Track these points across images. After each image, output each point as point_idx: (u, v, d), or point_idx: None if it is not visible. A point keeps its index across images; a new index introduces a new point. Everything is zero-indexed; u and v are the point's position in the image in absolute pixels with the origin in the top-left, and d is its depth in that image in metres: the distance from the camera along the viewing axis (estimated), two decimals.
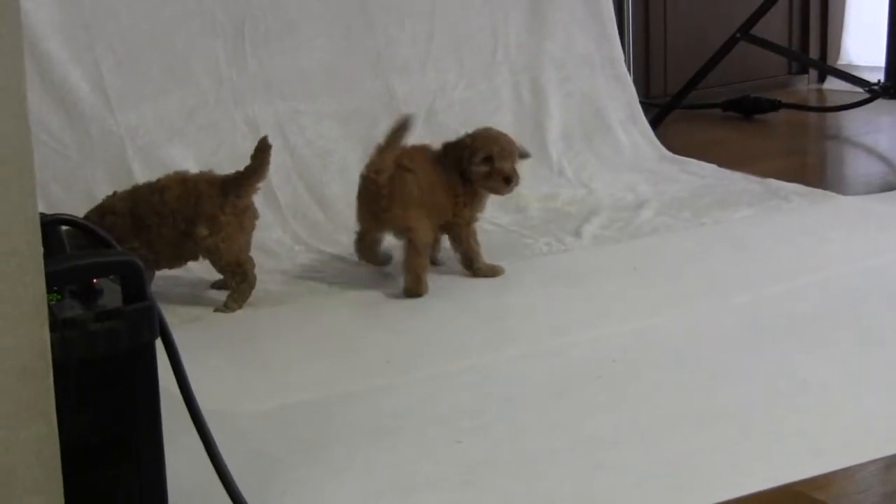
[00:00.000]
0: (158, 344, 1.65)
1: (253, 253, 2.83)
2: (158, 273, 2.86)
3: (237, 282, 2.79)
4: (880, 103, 4.32)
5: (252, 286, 2.80)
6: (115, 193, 2.85)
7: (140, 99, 3.34)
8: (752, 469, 1.96)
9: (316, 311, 2.77)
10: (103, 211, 2.80)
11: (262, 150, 2.77)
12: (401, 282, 2.86)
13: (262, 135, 2.81)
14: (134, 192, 2.84)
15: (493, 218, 3.37)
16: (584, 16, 4.02)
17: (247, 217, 2.82)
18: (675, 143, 4.01)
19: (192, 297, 2.87)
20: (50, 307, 1.44)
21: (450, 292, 2.86)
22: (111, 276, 1.64)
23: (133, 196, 2.82)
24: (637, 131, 4.00)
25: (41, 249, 1.40)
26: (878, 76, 4.27)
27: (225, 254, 2.77)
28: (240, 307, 2.78)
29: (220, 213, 2.76)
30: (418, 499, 1.92)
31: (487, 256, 3.01)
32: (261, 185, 2.82)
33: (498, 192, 2.93)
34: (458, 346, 2.55)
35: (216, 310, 2.77)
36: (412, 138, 2.92)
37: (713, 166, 3.81)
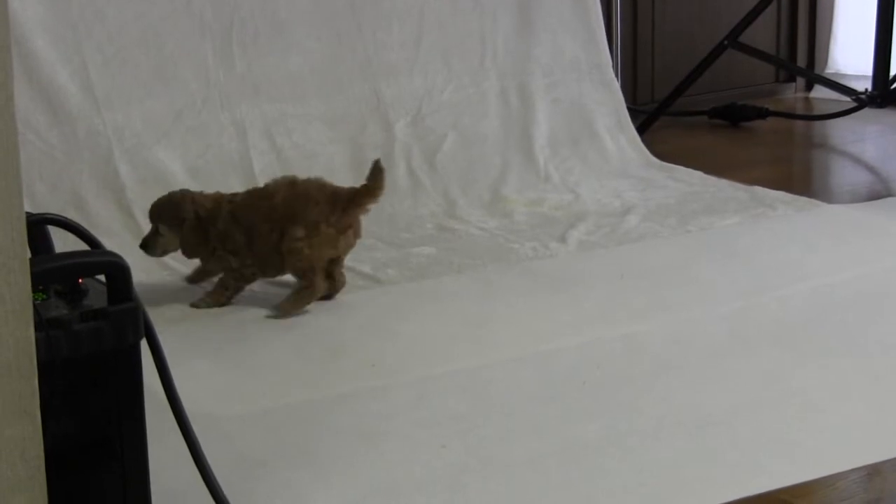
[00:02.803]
0: (143, 345, 1.65)
1: None
2: (144, 276, 2.85)
3: (303, 286, 2.75)
4: (867, 112, 4.33)
5: (315, 297, 2.76)
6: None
7: (127, 100, 3.34)
8: (735, 476, 1.97)
9: (302, 313, 2.76)
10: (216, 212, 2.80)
11: (377, 172, 2.76)
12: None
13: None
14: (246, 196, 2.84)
15: (480, 222, 3.37)
16: (572, 21, 4.02)
17: (346, 235, 2.79)
18: (662, 150, 4.01)
19: (178, 298, 2.86)
20: (35, 306, 1.43)
21: (435, 297, 2.86)
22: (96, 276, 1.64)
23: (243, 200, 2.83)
24: (624, 137, 4.00)
25: (27, 248, 1.40)
26: (865, 85, 4.28)
27: (304, 259, 2.73)
28: (295, 313, 2.74)
29: (323, 222, 2.74)
30: (403, 502, 1.92)
31: (473, 260, 3.02)
32: (372, 206, 2.80)
33: None
34: (443, 350, 2.54)
35: (268, 316, 2.74)
36: None
37: (699, 173, 3.81)
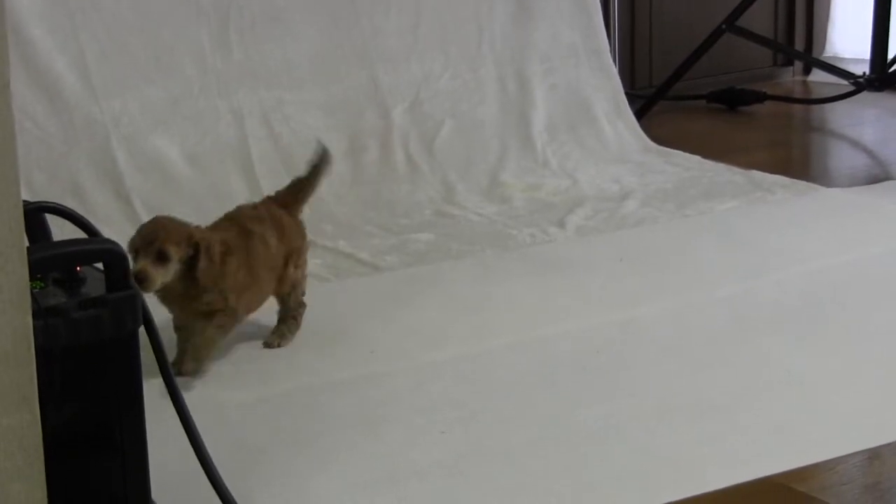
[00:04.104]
0: (142, 333, 1.65)
1: None
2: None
3: (302, 307, 2.56)
4: (865, 96, 4.33)
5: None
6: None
7: (125, 87, 3.33)
8: (735, 461, 1.97)
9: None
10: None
11: (322, 162, 2.58)
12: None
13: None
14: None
15: (478, 208, 3.37)
16: (569, 7, 4.02)
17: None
18: (660, 135, 4.01)
19: None
20: (33, 295, 1.43)
21: (434, 283, 2.86)
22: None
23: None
24: (622, 122, 4.00)
25: (24, 237, 1.40)
26: (863, 69, 4.28)
27: (303, 283, 2.56)
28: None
29: (302, 243, 2.56)
30: (403, 488, 1.92)
31: (472, 246, 3.02)
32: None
33: None
34: (442, 336, 2.54)
35: (265, 346, 2.51)
36: None
37: (698, 158, 3.81)
